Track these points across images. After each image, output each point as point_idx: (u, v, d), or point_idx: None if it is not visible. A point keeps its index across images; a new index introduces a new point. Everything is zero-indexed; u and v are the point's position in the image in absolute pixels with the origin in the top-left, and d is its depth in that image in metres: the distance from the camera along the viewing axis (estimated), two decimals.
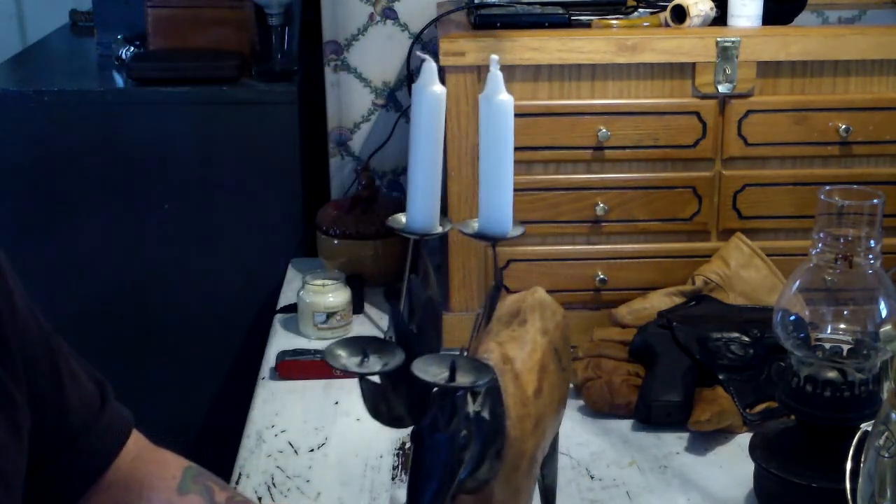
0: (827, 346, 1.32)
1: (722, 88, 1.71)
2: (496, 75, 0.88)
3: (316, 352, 1.75)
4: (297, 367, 1.74)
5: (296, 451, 1.54)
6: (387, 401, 0.88)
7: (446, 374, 0.82)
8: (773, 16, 1.78)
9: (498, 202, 0.95)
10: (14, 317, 1.00)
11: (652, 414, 1.57)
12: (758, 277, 1.73)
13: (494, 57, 0.88)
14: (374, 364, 0.84)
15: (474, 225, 0.97)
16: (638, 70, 1.71)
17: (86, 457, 1.09)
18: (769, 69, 1.72)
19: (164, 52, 2.27)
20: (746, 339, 1.61)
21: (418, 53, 1.03)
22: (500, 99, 0.90)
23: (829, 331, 1.32)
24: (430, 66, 0.87)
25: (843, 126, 1.72)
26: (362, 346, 0.85)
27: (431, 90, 0.88)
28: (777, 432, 1.40)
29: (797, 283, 1.33)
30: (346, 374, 0.84)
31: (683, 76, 1.72)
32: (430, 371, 0.82)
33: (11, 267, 1.04)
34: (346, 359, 0.84)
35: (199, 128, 2.16)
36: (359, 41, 2.19)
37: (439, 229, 0.95)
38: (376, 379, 0.86)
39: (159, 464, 1.14)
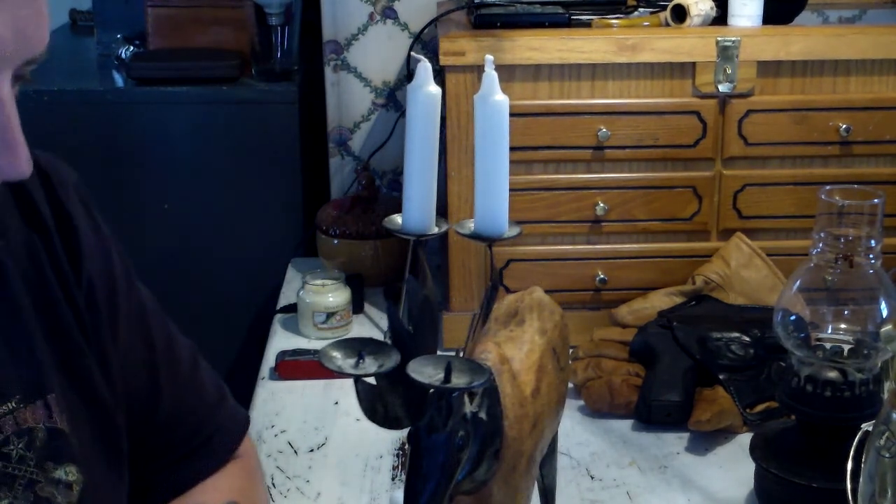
0: (827, 346, 1.32)
1: (722, 88, 1.71)
2: (491, 75, 0.88)
3: (316, 352, 1.75)
4: (297, 367, 1.74)
5: (296, 452, 1.54)
6: (384, 402, 0.87)
7: (442, 375, 0.82)
8: (774, 15, 1.77)
9: (494, 202, 0.95)
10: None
11: (652, 414, 1.57)
12: (758, 277, 1.73)
13: (489, 57, 0.88)
14: (370, 366, 0.84)
15: (470, 225, 0.96)
16: (638, 70, 1.71)
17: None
18: (769, 69, 1.72)
19: (164, 52, 2.27)
20: (746, 339, 1.61)
21: (413, 54, 1.03)
22: (496, 99, 0.90)
23: (829, 331, 1.32)
24: (424, 67, 0.87)
25: (843, 126, 1.72)
26: (358, 347, 0.85)
27: (426, 90, 0.88)
28: (777, 432, 1.40)
29: (797, 283, 1.32)
30: (342, 375, 0.84)
31: (683, 76, 1.72)
32: (425, 372, 0.82)
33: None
34: (341, 360, 0.84)
35: (199, 128, 2.16)
36: (359, 41, 2.19)
37: (435, 230, 0.94)
38: (372, 380, 0.86)
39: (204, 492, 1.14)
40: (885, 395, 1.24)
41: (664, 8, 1.79)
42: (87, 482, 0.94)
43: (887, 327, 1.28)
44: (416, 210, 0.93)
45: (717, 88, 1.71)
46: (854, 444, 1.19)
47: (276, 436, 1.58)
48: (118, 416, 1.00)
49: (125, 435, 1.01)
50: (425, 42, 2.09)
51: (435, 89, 0.89)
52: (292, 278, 2.12)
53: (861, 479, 1.14)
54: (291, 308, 1.94)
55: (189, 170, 2.17)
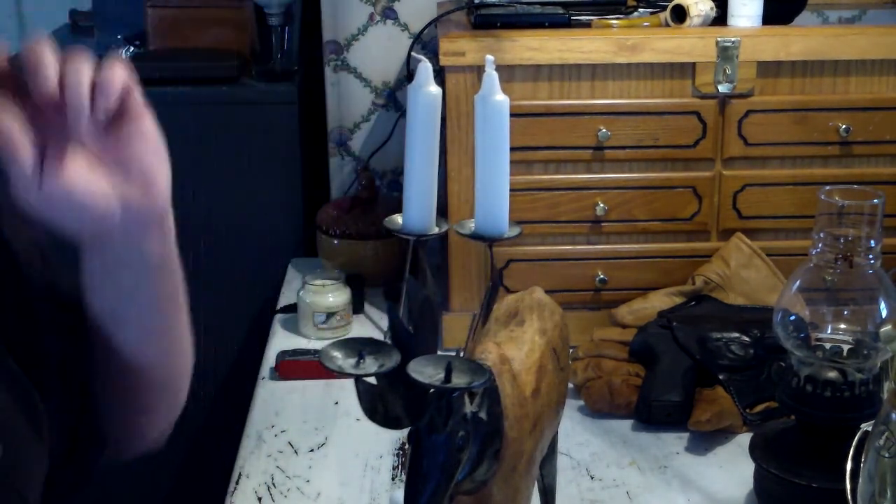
0: (827, 346, 1.32)
1: (722, 88, 1.71)
2: (492, 76, 0.88)
3: (316, 352, 1.75)
4: (297, 367, 1.74)
5: (296, 452, 1.54)
6: (384, 402, 0.88)
7: (442, 375, 0.82)
8: (773, 16, 1.77)
9: (494, 202, 0.95)
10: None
11: (652, 414, 1.57)
12: (758, 277, 1.73)
13: (490, 58, 0.88)
14: (371, 365, 0.84)
15: (471, 225, 0.97)
16: (638, 70, 1.71)
17: None
18: (769, 69, 1.72)
19: (164, 52, 2.27)
20: (746, 339, 1.60)
21: (413, 54, 1.03)
22: (496, 99, 0.90)
23: (829, 331, 1.32)
24: (425, 67, 0.87)
25: (843, 126, 1.72)
26: (358, 347, 0.85)
27: (427, 91, 0.88)
28: (777, 432, 1.40)
29: (797, 283, 1.32)
30: (342, 375, 0.84)
31: (683, 76, 1.72)
32: (425, 372, 0.82)
33: None
34: (341, 360, 0.84)
35: (199, 128, 2.16)
36: (359, 41, 2.19)
37: (436, 230, 0.95)
38: (372, 380, 0.86)
39: None
40: (885, 395, 1.24)
41: (664, 8, 1.79)
42: (6, 455, 0.94)
43: (887, 327, 1.28)
44: (417, 210, 0.93)
45: (717, 89, 1.71)
46: (854, 444, 1.19)
47: (276, 436, 1.58)
48: (34, 394, 0.99)
49: (45, 412, 1.00)
50: (425, 42, 2.09)
51: (435, 89, 0.90)
52: (292, 278, 2.12)
53: (861, 479, 1.14)
54: (291, 308, 1.94)
55: (189, 170, 2.17)
